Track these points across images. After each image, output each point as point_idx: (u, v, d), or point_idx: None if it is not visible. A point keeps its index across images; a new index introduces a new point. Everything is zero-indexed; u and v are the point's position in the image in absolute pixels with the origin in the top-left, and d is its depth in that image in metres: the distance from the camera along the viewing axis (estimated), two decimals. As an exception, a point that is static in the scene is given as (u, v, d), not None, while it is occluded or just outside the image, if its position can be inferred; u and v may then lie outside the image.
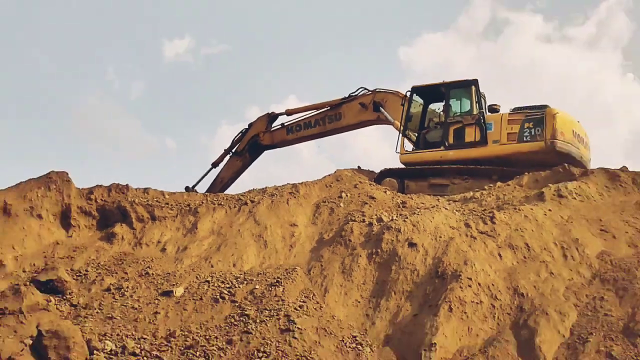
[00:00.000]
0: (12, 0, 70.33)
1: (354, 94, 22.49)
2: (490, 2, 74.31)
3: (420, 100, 21.50)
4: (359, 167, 20.97)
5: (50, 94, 73.12)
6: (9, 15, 69.40)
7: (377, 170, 20.81)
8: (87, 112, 74.77)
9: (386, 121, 21.87)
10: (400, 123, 21.09)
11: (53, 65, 73.02)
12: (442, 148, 20.49)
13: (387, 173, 20.50)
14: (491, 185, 18.85)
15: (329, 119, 22.77)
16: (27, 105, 71.21)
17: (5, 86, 70.14)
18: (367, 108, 22.10)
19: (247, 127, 23.90)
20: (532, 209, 16.50)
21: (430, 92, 21.45)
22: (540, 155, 19.33)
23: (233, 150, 24.01)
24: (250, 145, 23.75)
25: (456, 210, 16.92)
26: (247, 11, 74.55)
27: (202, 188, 23.84)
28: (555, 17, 77.22)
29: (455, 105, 20.99)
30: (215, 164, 23.97)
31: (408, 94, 21.17)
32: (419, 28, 77.36)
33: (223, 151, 24.19)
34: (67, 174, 17.81)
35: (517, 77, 64.87)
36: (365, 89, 22.41)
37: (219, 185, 23.91)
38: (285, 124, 23.68)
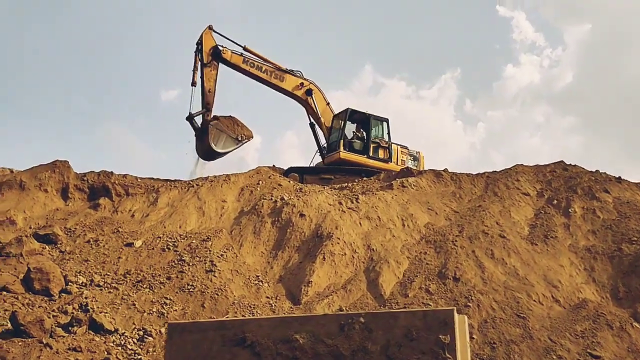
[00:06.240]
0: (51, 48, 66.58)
1: (297, 71, 20.46)
2: (372, 72, 75.07)
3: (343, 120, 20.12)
4: (273, 165, 19.97)
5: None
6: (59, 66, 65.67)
7: (285, 168, 19.86)
8: (106, 132, 71.55)
9: (311, 106, 20.30)
10: (340, 134, 19.77)
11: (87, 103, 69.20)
12: (365, 156, 19.66)
13: (292, 169, 19.60)
14: (359, 179, 18.18)
15: (275, 75, 20.17)
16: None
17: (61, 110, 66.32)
18: (303, 87, 20.35)
19: (197, 46, 19.00)
20: (384, 194, 15.83)
21: (357, 116, 20.22)
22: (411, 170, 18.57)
23: (205, 63, 18.93)
24: (212, 54, 19.06)
25: (334, 194, 16.15)
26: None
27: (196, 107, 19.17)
28: (413, 83, 79.03)
29: (374, 130, 20.23)
30: (193, 83, 18.62)
31: (346, 113, 20.00)
32: (328, 88, 77.73)
33: (194, 68, 18.81)
34: (68, 162, 16.35)
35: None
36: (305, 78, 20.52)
37: (209, 95, 18.99)
38: (244, 55, 19.79)
